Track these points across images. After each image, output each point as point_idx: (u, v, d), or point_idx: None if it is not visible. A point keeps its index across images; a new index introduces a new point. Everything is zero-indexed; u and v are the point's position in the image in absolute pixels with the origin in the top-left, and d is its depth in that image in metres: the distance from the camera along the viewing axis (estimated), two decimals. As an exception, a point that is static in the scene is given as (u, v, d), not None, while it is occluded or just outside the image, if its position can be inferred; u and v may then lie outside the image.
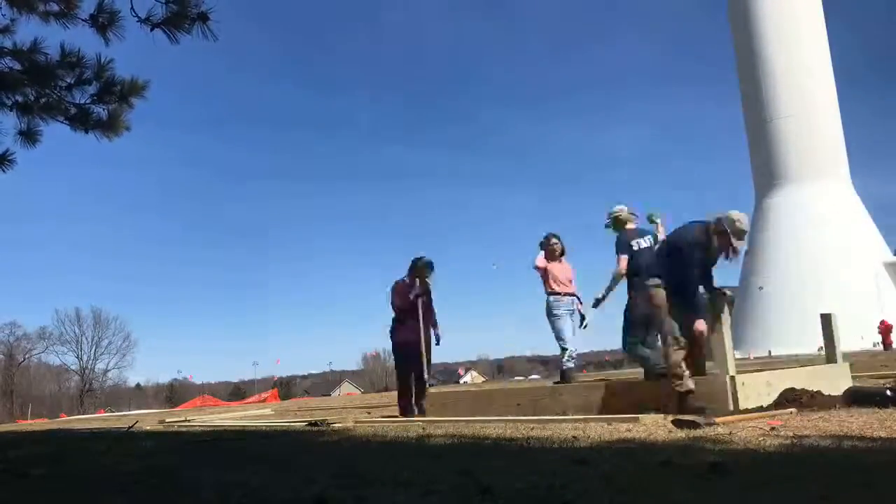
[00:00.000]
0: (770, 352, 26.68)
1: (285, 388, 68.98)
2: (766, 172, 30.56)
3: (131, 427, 9.71)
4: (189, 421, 11.58)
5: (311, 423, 7.69)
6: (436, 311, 8.79)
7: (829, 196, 32.84)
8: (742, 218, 5.71)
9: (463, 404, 8.03)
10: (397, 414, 8.64)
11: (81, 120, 7.22)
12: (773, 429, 4.24)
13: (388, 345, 9.19)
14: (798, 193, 30.41)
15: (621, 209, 7.66)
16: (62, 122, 7.24)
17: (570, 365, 8.44)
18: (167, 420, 11.99)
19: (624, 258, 7.21)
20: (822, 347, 7.92)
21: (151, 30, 6.25)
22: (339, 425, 7.46)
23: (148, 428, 10.30)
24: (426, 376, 8.56)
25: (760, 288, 28.62)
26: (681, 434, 4.34)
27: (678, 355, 5.68)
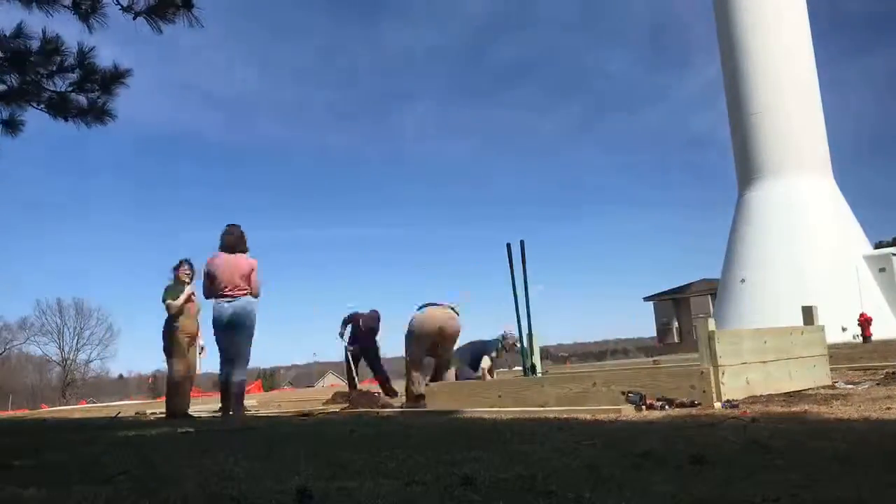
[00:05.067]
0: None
1: (269, 379, 68.68)
2: (747, 166, 30.75)
3: (114, 418, 9.66)
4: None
5: (300, 414, 7.66)
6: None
7: (810, 189, 33.18)
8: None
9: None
10: (378, 406, 8.70)
11: (61, 108, 7.15)
12: (753, 419, 4.28)
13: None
14: (780, 187, 30.69)
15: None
16: (42, 110, 7.17)
17: None
18: (149, 411, 11.94)
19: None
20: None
21: (134, 18, 6.20)
22: (323, 416, 7.46)
23: (130, 419, 10.25)
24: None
25: (742, 280, 28.84)
26: (662, 425, 4.38)
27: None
